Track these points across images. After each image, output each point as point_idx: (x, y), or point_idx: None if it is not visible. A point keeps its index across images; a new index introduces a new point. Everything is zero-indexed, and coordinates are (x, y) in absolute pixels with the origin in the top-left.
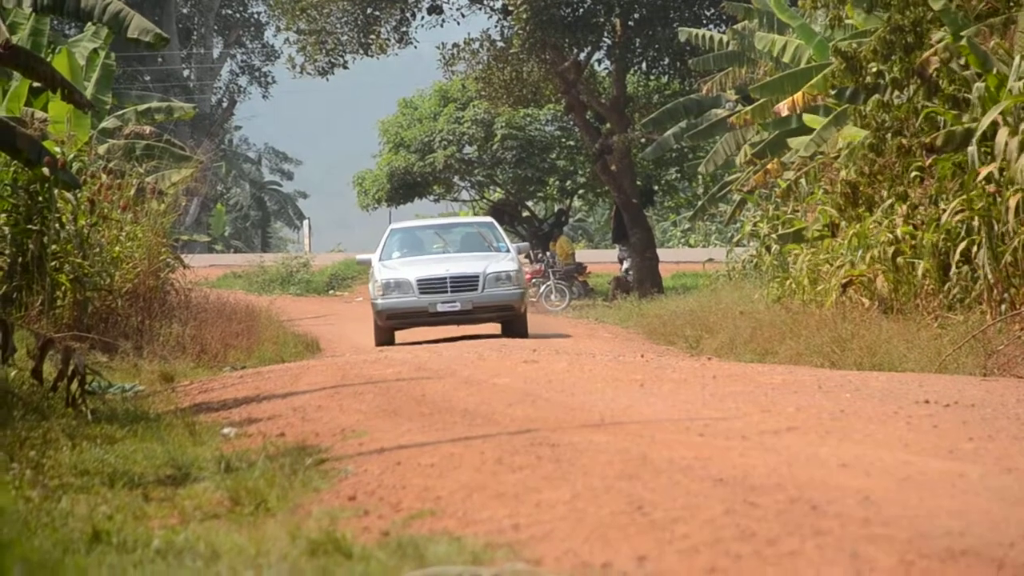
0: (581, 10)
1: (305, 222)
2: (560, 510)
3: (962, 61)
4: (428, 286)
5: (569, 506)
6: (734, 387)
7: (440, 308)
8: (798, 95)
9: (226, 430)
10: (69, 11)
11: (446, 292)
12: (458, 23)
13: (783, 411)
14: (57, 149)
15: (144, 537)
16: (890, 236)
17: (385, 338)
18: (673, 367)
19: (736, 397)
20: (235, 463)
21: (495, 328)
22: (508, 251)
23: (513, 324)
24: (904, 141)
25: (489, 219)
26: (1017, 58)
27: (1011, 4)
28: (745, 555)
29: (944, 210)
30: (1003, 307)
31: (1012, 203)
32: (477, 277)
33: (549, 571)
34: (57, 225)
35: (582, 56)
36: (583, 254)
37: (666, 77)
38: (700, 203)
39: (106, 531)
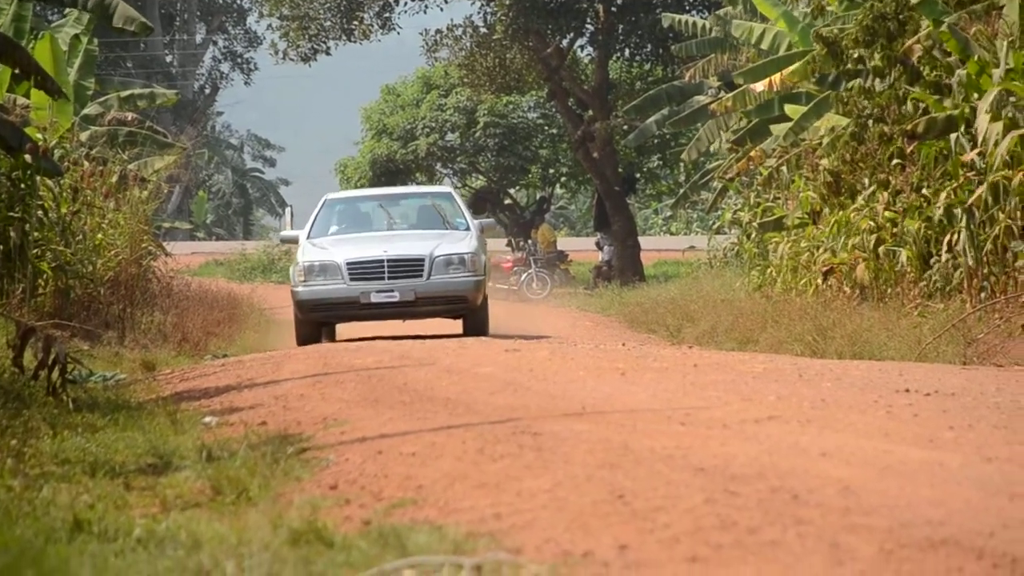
0: None
1: (287, 209)
2: (541, 499)
3: (945, 48)
4: (360, 271)
5: (550, 495)
6: (715, 376)
7: (374, 298)
8: (776, 76)
9: (207, 419)
10: None
11: (383, 279)
12: (441, 9)
13: (764, 400)
14: (39, 136)
15: (125, 526)
16: (871, 224)
17: (308, 335)
18: (654, 356)
19: (717, 386)
20: (216, 452)
21: (455, 325)
22: (468, 228)
23: (469, 320)
24: (886, 128)
25: (447, 188)
26: (1004, 44)
27: None
28: (726, 544)
29: (925, 197)
30: (983, 295)
31: (991, 190)
32: (422, 260)
33: (530, 560)
34: (39, 212)
35: (565, 42)
36: (565, 242)
37: (648, 64)
38: (682, 191)
39: (87, 520)
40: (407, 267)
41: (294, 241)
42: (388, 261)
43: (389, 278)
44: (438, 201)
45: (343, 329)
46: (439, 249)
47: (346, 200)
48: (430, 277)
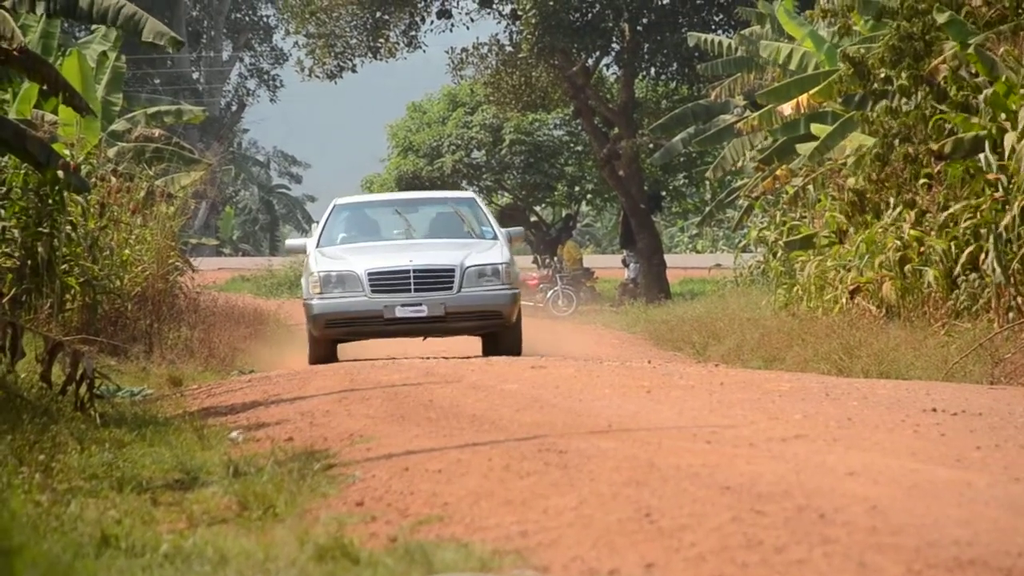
0: (590, 15)
1: (314, 226)
2: (567, 517)
3: (972, 69)
4: (384, 282)
5: (576, 512)
6: (741, 394)
7: (399, 312)
8: (803, 97)
9: (234, 434)
10: (82, 14)
11: (408, 291)
12: (467, 27)
13: (790, 418)
14: (67, 152)
15: (153, 542)
16: (898, 243)
17: (322, 354)
18: (680, 374)
19: (743, 404)
20: (243, 468)
21: (472, 344)
22: (495, 237)
23: (501, 338)
24: (912, 148)
25: (469, 194)
26: None
27: (1019, 11)
28: (752, 563)
29: (952, 216)
30: (1011, 315)
31: (1015, 211)
32: (452, 271)
33: None
34: (67, 228)
35: (590, 61)
36: (591, 259)
37: (674, 82)
38: (708, 209)
39: (115, 535)
40: (436, 278)
41: (301, 250)
42: (415, 272)
43: (416, 290)
44: (461, 207)
45: (344, 348)
46: (470, 258)
47: (358, 205)
48: (461, 290)
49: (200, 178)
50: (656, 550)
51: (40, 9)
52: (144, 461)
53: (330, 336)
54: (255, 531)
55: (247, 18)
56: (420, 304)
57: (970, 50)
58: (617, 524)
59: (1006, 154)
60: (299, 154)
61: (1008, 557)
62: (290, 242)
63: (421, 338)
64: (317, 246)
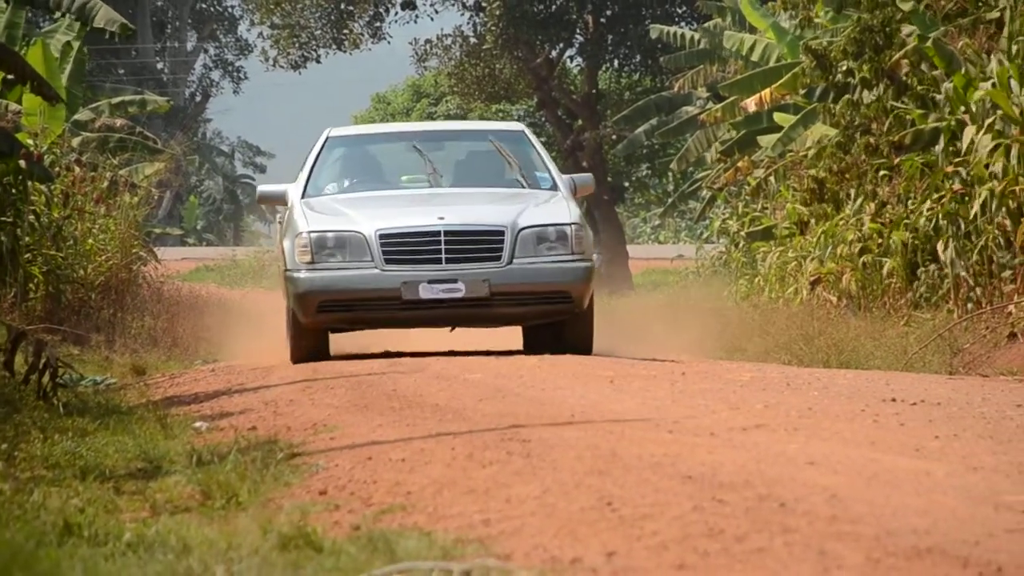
0: (554, 7)
1: (279, 215)
2: (530, 505)
3: (932, 64)
4: (402, 248)
5: (539, 501)
6: (703, 384)
7: (425, 292)
8: (766, 92)
9: (198, 424)
10: (40, 2)
11: (438, 262)
12: (431, 19)
13: (752, 408)
14: (30, 141)
15: (115, 530)
16: (858, 234)
17: (310, 348)
18: (643, 364)
19: (705, 394)
20: (206, 457)
21: (508, 335)
22: (555, 187)
23: (566, 330)
24: (872, 140)
25: (518, 125)
26: (993, 59)
27: (980, 4)
28: (713, 552)
29: (912, 209)
30: (969, 306)
31: (979, 203)
32: (500, 234)
33: (519, 566)
34: (31, 217)
35: (554, 53)
36: None
37: (637, 74)
38: (670, 200)
39: (78, 524)
40: (477, 244)
41: (280, 200)
42: (447, 234)
43: (449, 261)
44: (507, 143)
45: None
46: (525, 217)
47: (360, 139)
48: (513, 261)
49: (164, 168)
50: (618, 538)
51: None
52: (107, 450)
53: (323, 323)
54: (218, 520)
55: (212, 8)
56: (455, 281)
57: (928, 43)
58: (579, 513)
59: (964, 147)
60: (263, 144)
61: (965, 546)
62: (264, 188)
63: (449, 328)
64: (303, 196)
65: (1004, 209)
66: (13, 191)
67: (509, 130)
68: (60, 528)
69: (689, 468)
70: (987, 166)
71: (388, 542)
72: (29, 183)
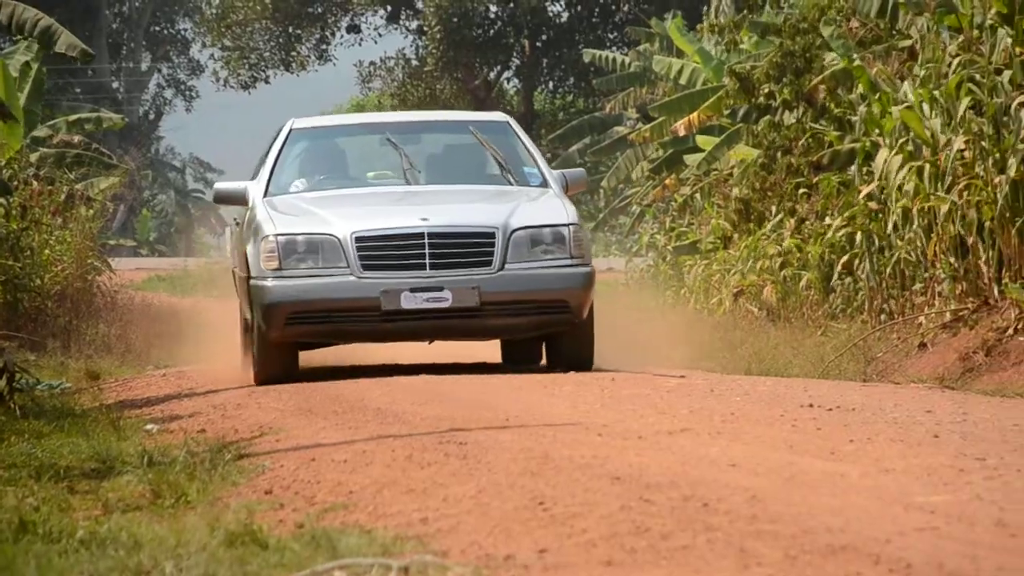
0: (492, 31)
1: (227, 229)
2: (466, 505)
3: (850, 86)
4: (381, 253)
5: (475, 501)
6: (631, 390)
7: (407, 302)
8: (694, 115)
9: (149, 426)
10: (2, 26)
11: (422, 267)
12: (375, 42)
13: (677, 413)
14: None
15: (69, 528)
16: (778, 248)
17: (278, 366)
18: (573, 370)
19: (633, 399)
20: (157, 458)
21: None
22: (546, 184)
23: (563, 343)
24: (792, 160)
25: (501, 116)
26: (905, 84)
27: (893, 32)
28: (640, 549)
29: (829, 225)
30: (882, 316)
31: (892, 220)
32: (491, 236)
33: (455, 563)
34: None
35: (492, 75)
36: None
37: (571, 95)
38: (601, 215)
39: (32, 522)
40: (465, 248)
41: (239, 200)
42: (431, 236)
43: (433, 267)
44: (489, 135)
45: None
46: (517, 216)
47: (326, 132)
48: (505, 266)
49: (118, 182)
50: (549, 536)
51: None
52: (62, 451)
53: (292, 337)
54: (168, 518)
55: (165, 31)
56: (441, 289)
57: (856, 63)
58: (513, 512)
59: (877, 168)
60: (213, 161)
61: (877, 543)
62: (221, 186)
63: (427, 341)
64: (266, 194)
65: (915, 225)
66: None
67: (492, 120)
68: (16, 526)
69: (617, 469)
70: (900, 187)
71: (330, 540)
72: None
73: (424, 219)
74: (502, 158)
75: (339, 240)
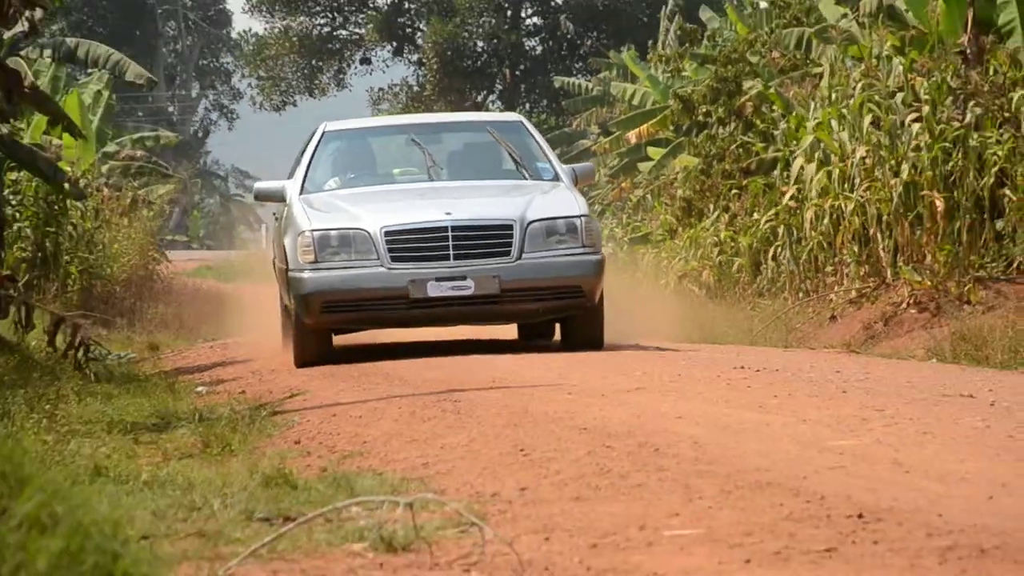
0: (479, 62)
1: (263, 226)
2: (459, 451)
3: (773, 106)
4: (409, 245)
5: (466, 448)
6: (595, 356)
7: (433, 290)
8: (645, 130)
9: (199, 388)
10: (79, 60)
11: (446, 258)
12: (383, 71)
13: (633, 375)
14: (69, 168)
15: (134, 472)
16: (715, 239)
17: (313, 350)
18: (586, 350)
19: (596, 364)
20: (206, 414)
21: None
22: (557, 177)
23: (576, 326)
24: (726, 166)
25: (515, 116)
26: (816, 104)
27: (807, 61)
28: (603, 486)
29: (757, 220)
30: (800, 294)
31: (808, 215)
32: (509, 228)
33: (451, 499)
34: (69, 228)
35: (479, 98)
36: None
37: (545, 115)
38: None
39: (105, 467)
40: (485, 239)
41: (278, 198)
42: (454, 229)
43: (457, 257)
44: (505, 134)
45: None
46: (533, 209)
47: (357, 133)
48: (522, 256)
49: (173, 189)
50: (528, 477)
51: (48, 56)
52: (128, 409)
53: (328, 324)
54: (215, 464)
55: (211, 64)
56: (464, 278)
57: (771, 90)
58: (498, 457)
59: (795, 173)
60: (251, 170)
61: (796, 480)
62: (261, 185)
63: (460, 326)
64: (302, 192)
65: (826, 220)
66: (55, 207)
67: (507, 120)
68: (91, 471)
69: (584, 422)
70: (814, 188)
71: (348, 481)
72: (68, 201)
73: (448, 213)
74: (517, 155)
75: (370, 234)
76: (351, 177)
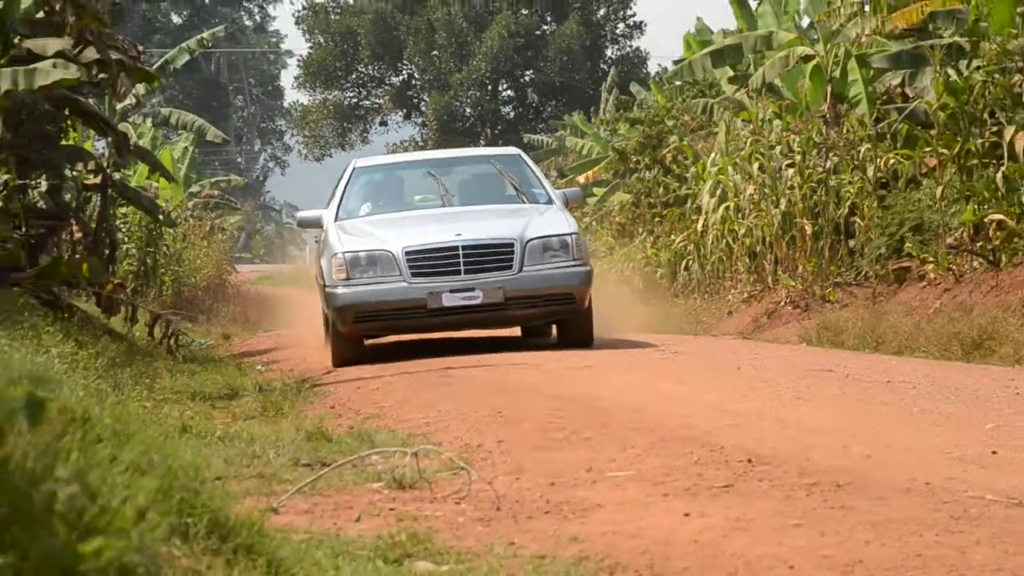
0: (468, 124)
1: (307, 247)
2: (453, 414)
3: (686, 156)
4: (425, 263)
5: (457, 412)
6: (556, 345)
7: (447, 300)
8: (591, 173)
9: (259, 367)
10: (171, 124)
11: (458, 273)
12: (396, 131)
13: (586, 357)
14: (164, 204)
15: (211, 429)
16: (643, 254)
17: (349, 353)
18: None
19: (556, 349)
20: (265, 387)
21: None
22: (550, 201)
23: (569, 327)
24: (651, 200)
25: (514, 149)
26: (714, 154)
27: (711, 123)
28: (560, 439)
29: (674, 240)
30: (706, 295)
31: (711, 237)
32: (511, 246)
33: (446, 449)
34: (164, 248)
35: None
36: None
37: None
38: None
39: (189, 426)
40: (490, 256)
41: (317, 224)
42: (464, 248)
43: (467, 272)
44: (505, 166)
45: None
46: (531, 229)
47: (382, 168)
48: (523, 269)
49: (241, 219)
50: (504, 432)
51: (149, 121)
52: (206, 383)
53: (360, 332)
54: (271, 423)
55: (269, 126)
56: (473, 289)
57: (685, 144)
58: (481, 418)
59: (702, 206)
60: (299, 204)
61: (705, 434)
62: (303, 214)
63: (471, 330)
64: (336, 219)
65: (724, 241)
66: (154, 233)
67: (507, 154)
68: (179, 428)
69: (548, 391)
70: (715, 218)
71: (370, 436)
72: (163, 229)
73: (458, 234)
74: (517, 183)
75: (393, 254)
76: (378, 205)
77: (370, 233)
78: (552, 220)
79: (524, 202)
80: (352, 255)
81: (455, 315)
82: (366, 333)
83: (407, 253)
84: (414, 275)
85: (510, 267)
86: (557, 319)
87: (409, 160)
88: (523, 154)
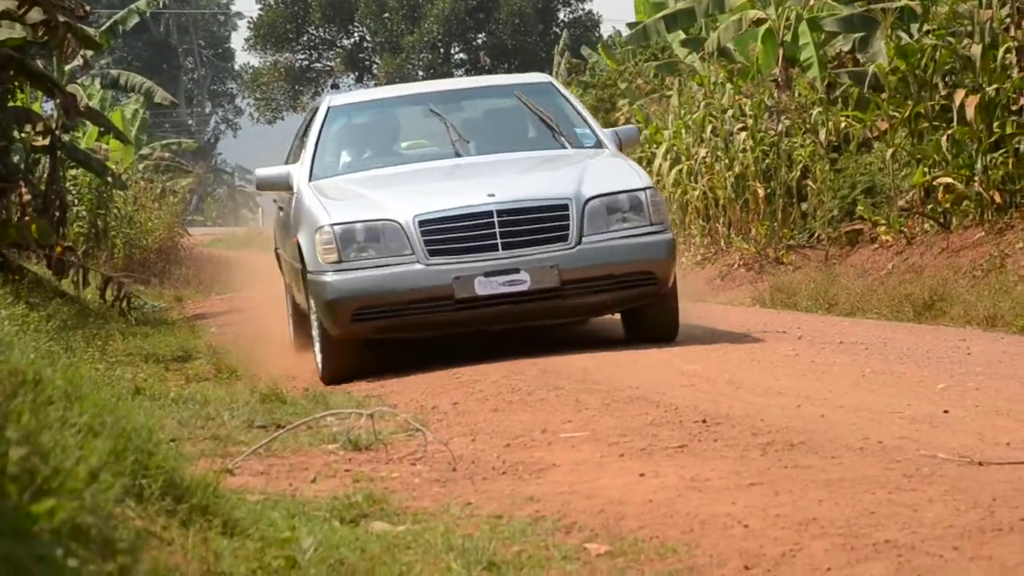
0: None
1: (259, 209)
2: (408, 378)
3: (638, 119)
4: (448, 235)
5: (413, 375)
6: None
7: (481, 288)
8: None
9: (213, 329)
10: (121, 86)
11: (495, 248)
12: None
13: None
14: (114, 166)
15: (165, 391)
16: None
17: (345, 363)
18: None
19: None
20: (218, 349)
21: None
22: (599, 144)
23: (650, 315)
24: None
25: (543, 76)
26: (670, 117)
27: (663, 86)
28: (515, 401)
29: None
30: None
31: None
32: (565, 207)
33: (401, 411)
34: (115, 210)
35: None
36: None
37: None
38: None
39: (142, 388)
40: (538, 224)
41: (283, 186)
42: (500, 214)
43: (506, 247)
44: (533, 98)
45: None
46: (588, 184)
47: (367, 107)
48: (582, 240)
49: (192, 182)
50: (459, 395)
51: (98, 83)
52: (159, 345)
53: (359, 334)
54: (224, 385)
55: (219, 88)
56: (517, 271)
57: (637, 107)
58: (437, 380)
59: (656, 169)
60: (251, 167)
61: (658, 395)
62: (263, 172)
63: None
64: (310, 179)
65: (678, 203)
66: (104, 195)
67: (535, 83)
68: (133, 390)
69: (502, 356)
70: (669, 180)
71: (325, 398)
72: (113, 191)
73: (491, 195)
74: (553, 121)
75: (401, 225)
76: (366, 156)
77: (363, 196)
78: (614, 170)
79: (566, 147)
80: (344, 228)
81: (493, 307)
82: (368, 336)
83: (421, 223)
84: (432, 253)
85: (566, 238)
86: (632, 307)
87: (402, 95)
88: (556, 82)
